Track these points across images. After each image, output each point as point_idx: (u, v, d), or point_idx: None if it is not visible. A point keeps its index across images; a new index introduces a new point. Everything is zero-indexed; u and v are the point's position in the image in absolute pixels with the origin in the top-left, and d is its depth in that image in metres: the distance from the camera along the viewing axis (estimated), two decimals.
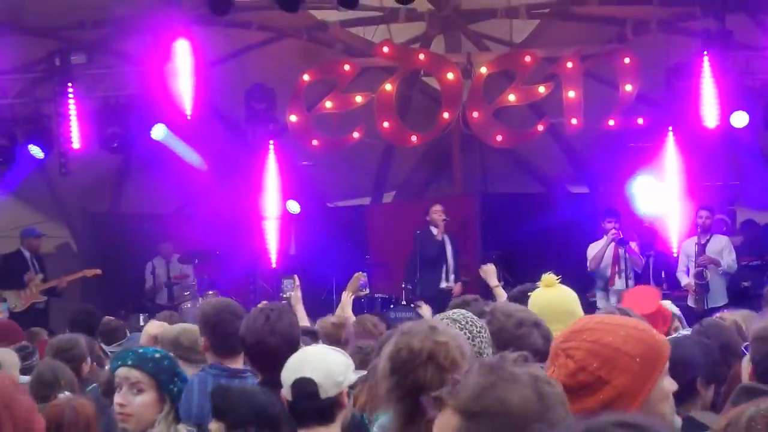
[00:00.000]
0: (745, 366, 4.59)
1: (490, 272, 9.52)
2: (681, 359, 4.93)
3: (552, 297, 5.84)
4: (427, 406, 3.13)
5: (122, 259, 16.58)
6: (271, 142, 16.85)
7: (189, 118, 15.35)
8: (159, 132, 15.66)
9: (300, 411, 4.45)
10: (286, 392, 4.47)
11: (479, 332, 4.49)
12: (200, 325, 6.04)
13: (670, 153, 15.88)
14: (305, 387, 4.41)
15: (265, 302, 6.11)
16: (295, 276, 8.84)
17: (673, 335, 6.18)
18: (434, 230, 14.98)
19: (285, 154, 17.15)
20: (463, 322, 4.48)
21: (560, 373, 2.98)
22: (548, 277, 5.93)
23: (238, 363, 5.82)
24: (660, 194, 15.53)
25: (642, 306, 6.45)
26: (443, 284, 14.85)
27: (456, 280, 14.89)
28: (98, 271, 15.34)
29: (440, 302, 13.35)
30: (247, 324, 5.40)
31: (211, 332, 5.92)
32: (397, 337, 3.78)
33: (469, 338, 4.40)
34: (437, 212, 15.03)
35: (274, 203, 16.88)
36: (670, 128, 15.84)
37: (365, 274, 11.04)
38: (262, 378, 5.32)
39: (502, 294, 8.73)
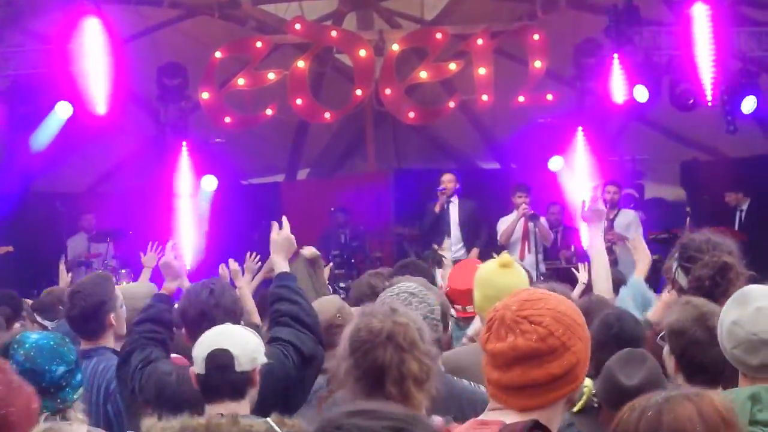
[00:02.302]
0: (668, 359, 4.63)
1: None
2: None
3: (509, 280, 5.37)
4: None
5: (34, 238, 16.40)
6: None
7: (102, 103, 15.15)
8: (64, 110, 15.48)
9: (213, 384, 4.38)
10: (198, 366, 4.39)
11: (436, 306, 4.56)
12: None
13: (579, 132, 16.18)
14: (221, 358, 4.33)
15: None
16: (222, 264, 8.82)
17: None
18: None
19: (198, 131, 17.10)
20: (420, 296, 4.54)
21: (528, 338, 3.01)
22: (506, 257, 5.54)
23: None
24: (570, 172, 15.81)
25: (464, 281, 6.27)
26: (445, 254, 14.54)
27: (468, 250, 14.33)
28: (10, 248, 15.18)
29: None
30: (189, 297, 5.36)
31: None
32: (357, 318, 3.86)
33: (429, 311, 4.48)
34: (442, 180, 14.55)
35: (187, 183, 16.82)
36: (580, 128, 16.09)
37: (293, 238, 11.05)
38: None
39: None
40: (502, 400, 3.08)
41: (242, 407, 4.37)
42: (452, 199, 14.52)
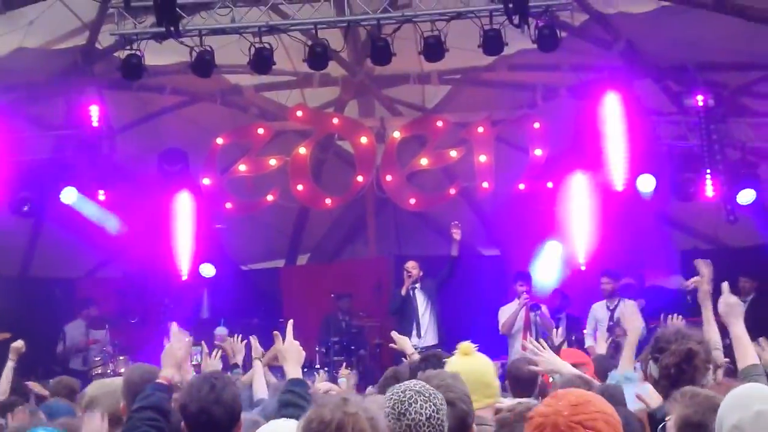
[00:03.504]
0: None
1: (403, 341, 9.05)
2: None
3: (470, 366, 5.65)
4: None
5: (32, 324, 16.30)
6: (184, 193, 16.74)
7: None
8: (69, 196, 15.54)
9: None
10: None
11: (442, 405, 4.51)
12: (124, 389, 6.10)
13: (580, 213, 16.17)
14: None
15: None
16: (203, 343, 8.77)
17: None
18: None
19: (198, 216, 17.10)
20: (426, 395, 4.49)
21: None
22: (465, 345, 5.76)
23: None
24: (565, 261, 15.81)
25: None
26: (413, 341, 14.42)
27: (438, 337, 14.40)
28: (7, 335, 15.09)
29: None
30: (190, 392, 5.23)
31: (132, 398, 5.99)
32: (311, 409, 3.84)
33: (433, 411, 4.43)
34: (406, 267, 14.77)
35: (186, 266, 16.81)
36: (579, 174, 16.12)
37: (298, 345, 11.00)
38: None
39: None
40: None
41: None
42: (416, 285, 14.58)
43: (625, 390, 6.40)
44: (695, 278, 7.07)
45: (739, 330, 6.35)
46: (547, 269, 15.77)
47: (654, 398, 6.72)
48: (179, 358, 5.86)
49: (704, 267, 7.10)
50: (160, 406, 5.48)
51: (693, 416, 4.53)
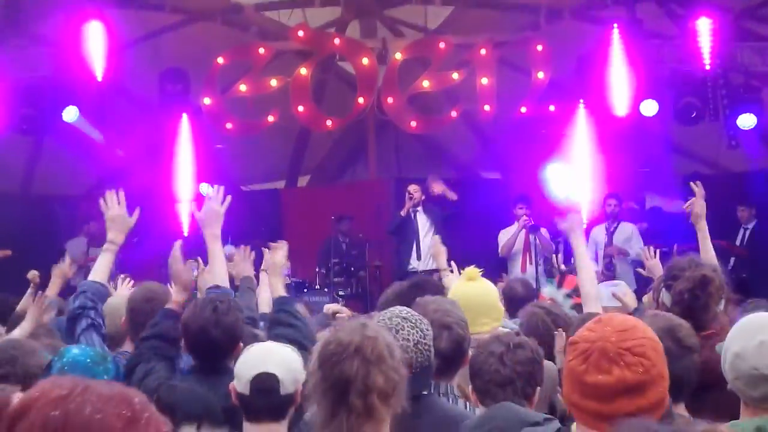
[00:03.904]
0: None
1: (440, 253, 8.87)
2: None
3: (476, 291, 5.79)
4: None
5: (33, 241, 16.35)
6: (184, 115, 16.70)
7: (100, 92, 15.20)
8: (71, 114, 15.50)
9: (256, 406, 4.38)
10: (241, 386, 4.38)
11: (428, 330, 4.55)
12: (127, 306, 6.31)
13: (581, 139, 16.13)
14: (267, 382, 4.33)
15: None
16: (198, 259, 8.75)
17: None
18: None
19: (198, 136, 17.07)
20: (413, 321, 4.52)
21: (635, 371, 3.06)
22: (471, 271, 5.88)
23: None
24: (571, 180, 15.76)
25: None
26: (412, 263, 14.51)
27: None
28: (8, 252, 15.15)
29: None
30: (193, 311, 5.34)
31: (132, 315, 6.14)
32: (329, 332, 3.86)
33: (420, 337, 4.46)
34: (408, 190, 14.79)
35: (187, 186, 16.81)
36: (581, 102, 16.06)
37: (288, 262, 10.98)
38: (198, 364, 5.34)
39: (448, 281, 8.16)
40: (600, 428, 3.08)
41: (280, 428, 4.40)
42: (418, 208, 14.58)
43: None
44: (689, 201, 7.09)
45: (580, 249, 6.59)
46: (552, 189, 15.77)
47: (629, 298, 6.83)
48: (187, 280, 5.95)
49: (696, 188, 7.12)
50: (166, 335, 5.56)
51: None
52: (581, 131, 16.16)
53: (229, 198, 6.63)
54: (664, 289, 5.66)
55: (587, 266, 6.61)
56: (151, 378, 5.28)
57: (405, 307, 4.71)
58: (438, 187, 14.52)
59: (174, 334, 5.53)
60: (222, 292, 5.95)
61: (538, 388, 4.54)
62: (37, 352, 5.22)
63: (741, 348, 3.96)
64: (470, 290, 5.77)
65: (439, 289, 6.67)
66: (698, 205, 7.07)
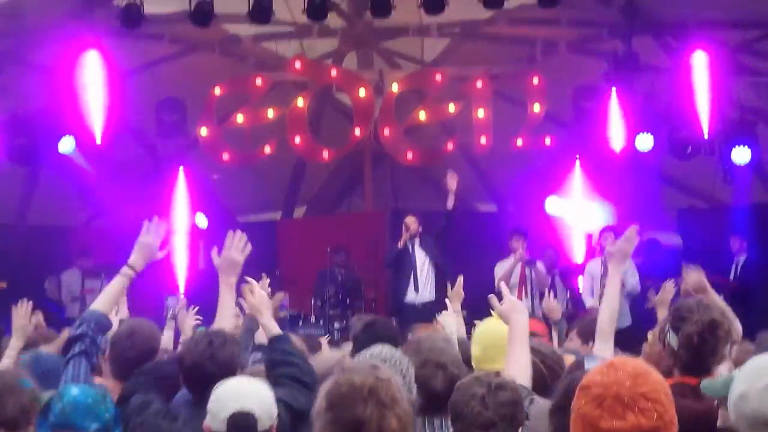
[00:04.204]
0: None
1: (456, 297, 8.57)
2: None
3: (502, 330, 5.55)
4: None
5: (29, 272, 16.32)
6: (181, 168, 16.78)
7: (99, 134, 15.20)
8: (67, 145, 15.52)
9: None
10: (216, 424, 4.33)
11: (407, 371, 4.53)
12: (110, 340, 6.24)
13: (577, 174, 16.21)
14: (245, 421, 4.29)
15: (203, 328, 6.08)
16: (181, 295, 8.75)
17: None
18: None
19: (195, 167, 17.09)
20: (391, 362, 4.50)
21: (649, 417, 3.06)
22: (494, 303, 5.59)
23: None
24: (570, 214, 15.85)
25: None
26: (409, 296, 14.22)
27: (437, 292, 13.92)
28: (3, 284, 15.12)
29: (404, 317, 13.15)
30: (189, 346, 5.34)
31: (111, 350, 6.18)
32: (337, 374, 3.82)
33: (400, 376, 4.45)
34: (405, 222, 14.53)
35: (183, 217, 16.82)
36: (578, 156, 16.16)
37: (285, 294, 10.99)
38: (194, 398, 5.29)
39: (443, 318, 7.98)
40: None
41: None
42: (415, 240, 14.47)
43: None
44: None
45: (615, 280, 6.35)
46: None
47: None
48: (152, 252, 5.92)
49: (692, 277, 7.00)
50: (165, 369, 5.58)
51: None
52: (577, 164, 16.21)
53: (249, 247, 6.53)
54: (671, 330, 5.61)
55: (611, 302, 6.44)
56: (148, 411, 5.25)
57: (387, 347, 4.70)
58: (452, 183, 14.35)
59: (171, 372, 5.52)
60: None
61: (521, 428, 4.51)
62: (22, 389, 5.00)
63: (746, 389, 3.92)
64: (497, 328, 5.62)
65: (394, 337, 6.67)
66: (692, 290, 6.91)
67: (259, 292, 5.81)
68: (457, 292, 8.53)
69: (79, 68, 15.26)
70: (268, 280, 6.49)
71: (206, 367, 5.17)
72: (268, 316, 5.74)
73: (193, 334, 5.66)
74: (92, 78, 15.20)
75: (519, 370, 5.04)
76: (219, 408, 4.34)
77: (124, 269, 5.85)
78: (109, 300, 5.89)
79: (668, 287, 7.37)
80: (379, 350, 4.60)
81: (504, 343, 5.39)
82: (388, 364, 4.45)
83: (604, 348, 6.18)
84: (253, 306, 5.81)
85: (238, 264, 6.24)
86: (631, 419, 3.05)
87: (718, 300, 6.54)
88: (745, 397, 3.90)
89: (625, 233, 6.44)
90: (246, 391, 4.40)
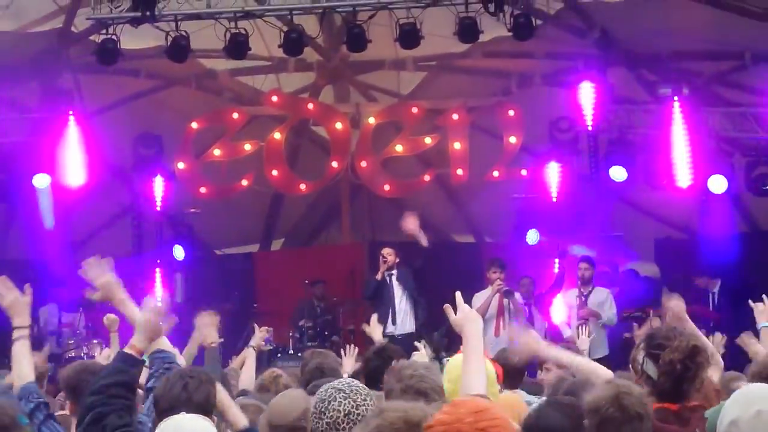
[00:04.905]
0: None
1: (374, 329, 8.89)
2: (553, 428, 5.05)
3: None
4: None
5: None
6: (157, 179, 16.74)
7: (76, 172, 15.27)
8: (41, 181, 15.51)
9: None
10: None
11: (363, 401, 4.53)
12: (63, 390, 6.16)
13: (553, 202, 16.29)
14: None
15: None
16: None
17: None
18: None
19: (173, 201, 17.07)
20: (347, 391, 4.51)
21: None
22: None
23: None
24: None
25: None
26: (389, 328, 13.84)
27: (416, 325, 14.00)
28: None
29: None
30: (164, 387, 5.25)
31: (72, 396, 6.07)
32: (383, 412, 3.82)
33: (352, 407, 4.45)
34: (382, 253, 14.51)
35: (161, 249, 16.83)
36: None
37: (270, 329, 10.94)
38: None
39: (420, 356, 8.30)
40: None
41: None
42: (393, 272, 14.47)
43: None
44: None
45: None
46: None
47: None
48: (155, 332, 5.65)
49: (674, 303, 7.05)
50: (132, 386, 5.39)
51: (590, 401, 4.61)
52: (553, 194, 16.28)
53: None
54: (647, 359, 5.60)
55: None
56: None
57: (346, 379, 4.71)
58: (411, 225, 14.31)
59: (134, 385, 5.46)
60: (165, 356, 5.81)
61: None
62: (20, 427, 5.01)
63: (737, 416, 3.95)
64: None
65: (336, 372, 6.68)
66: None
67: (149, 309, 5.68)
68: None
69: (54, 104, 15.29)
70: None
71: (182, 410, 5.14)
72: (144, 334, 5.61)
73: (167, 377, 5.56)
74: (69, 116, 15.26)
75: (475, 380, 5.02)
76: None
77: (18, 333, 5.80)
78: (29, 368, 5.90)
79: (654, 321, 7.40)
80: (339, 381, 4.61)
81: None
82: (342, 394, 4.47)
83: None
84: (138, 323, 5.65)
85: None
86: None
87: (694, 329, 6.58)
88: (736, 424, 3.94)
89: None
90: (185, 430, 4.39)
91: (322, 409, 4.34)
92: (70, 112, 15.44)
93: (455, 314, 5.36)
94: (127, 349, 5.48)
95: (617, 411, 4.44)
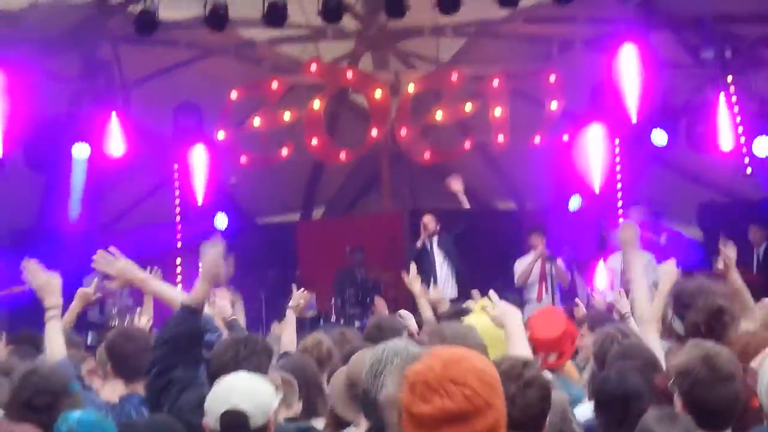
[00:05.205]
0: (677, 403, 4.58)
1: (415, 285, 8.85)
2: (634, 393, 5.00)
3: (489, 323, 5.59)
4: None
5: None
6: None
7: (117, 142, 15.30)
8: (81, 151, 15.58)
9: None
10: (211, 420, 4.32)
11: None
12: (106, 354, 6.33)
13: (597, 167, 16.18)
14: (236, 419, 4.28)
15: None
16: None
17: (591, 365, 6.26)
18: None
19: (213, 170, 17.11)
20: (404, 354, 4.48)
21: (455, 399, 3.02)
22: (486, 302, 5.70)
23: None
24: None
25: (548, 329, 6.37)
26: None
27: (458, 292, 14.14)
28: (25, 287, 15.13)
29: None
30: (217, 352, 5.30)
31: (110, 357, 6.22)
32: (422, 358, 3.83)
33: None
34: (423, 221, 14.81)
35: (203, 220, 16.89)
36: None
37: (313, 294, 10.98)
38: None
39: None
40: None
41: None
42: (434, 239, 14.52)
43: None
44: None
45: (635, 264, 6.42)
46: None
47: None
48: (216, 276, 5.65)
49: (729, 250, 6.98)
50: (194, 335, 5.42)
51: (680, 365, 4.55)
52: (596, 159, 16.16)
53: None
54: (675, 317, 5.58)
55: (640, 284, 6.38)
56: (194, 392, 5.23)
57: (402, 340, 4.68)
58: (456, 185, 14.49)
59: (200, 335, 5.47)
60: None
61: (546, 421, 4.45)
62: (72, 393, 5.03)
63: None
64: (483, 322, 5.62)
65: (398, 331, 6.67)
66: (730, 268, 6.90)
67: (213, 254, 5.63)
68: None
69: (97, 75, 15.33)
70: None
71: None
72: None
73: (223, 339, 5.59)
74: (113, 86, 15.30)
75: None
76: (213, 406, 4.35)
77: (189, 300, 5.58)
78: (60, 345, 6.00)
79: (729, 245, 7.24)
80: (395, 343, 4.57)
81: (488, 338, 5.36)
82: (399, 357, 4.44)
83: (647, 331, 6.13)
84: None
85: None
86: (436, 402, 3.01)
87: (736, 280, 6.51)
88: None
89: (621, 225, 6.50)
90: (240, 389, 4.38)
91: (379, 370, 4.26)
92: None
93: (493, 311, 5.38)
94: (188, 300, 5.52)
95: (709, 372, 4.38)
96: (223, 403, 4.31)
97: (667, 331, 5.76)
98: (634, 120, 15.35)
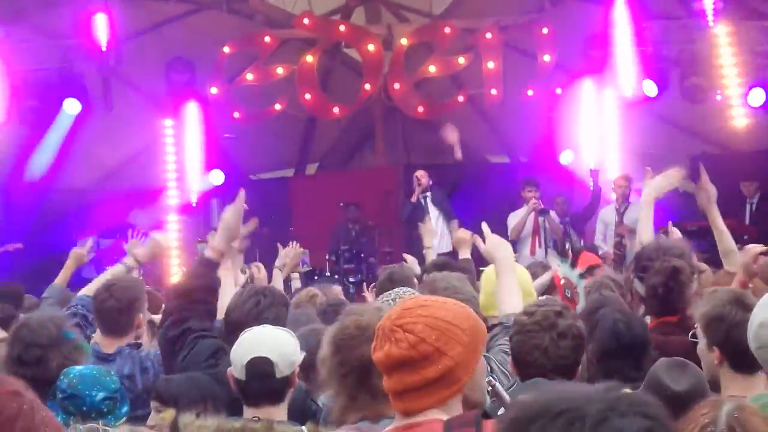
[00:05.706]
0: (706, 354, 4.51)
1: (461, 242, 8.58)
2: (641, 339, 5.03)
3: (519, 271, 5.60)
4: None
5: (43, 234, 16.39)
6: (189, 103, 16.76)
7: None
8: (72, 106, 15.54)
9: (252, 391, 4.37)
10: (237, 370, 4.37)
11: None
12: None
13: (588, 120, 16.16)
14: (261, 366, 4.32)
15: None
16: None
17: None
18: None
19: (206, 126, 17.10)
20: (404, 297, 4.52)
21: (401, 346, 3.09)
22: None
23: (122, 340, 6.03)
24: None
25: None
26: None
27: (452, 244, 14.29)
28: (20, 245, 15.19)
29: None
30: (237, 301, 5.38)
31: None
32: (342, 318, 3.87)
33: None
34: (416, 176, 14.94)
35: (196, 175, 16.89)
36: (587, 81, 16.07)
37: (306, 251, 10.98)
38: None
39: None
40: (396, 406, 3.19)
41: (280, 411, 4.39)
42: (427, 194, 14.59)
43: None
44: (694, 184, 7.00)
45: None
46: None
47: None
48: (236, 231, 5.79)
49: (702, 173, 7.00)
50: (211, 287, 5.51)
51: (711, 312, 4.54)
52: (588, 112, 16.14)
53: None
54: (636, 279, 5.65)
55: (642, 230, 6.45)
56: (207, 342, 5.28)
57: (408, 288, 4.72)
58: (452, 136, 14.56)
59: (216, 288, 5.54)
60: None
61: (579, 367, 4.49)
62: (65, 341, 5.09)
63: (765, 317, 3.95)
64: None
65: (409, 280, 6.72)
66: (705, 189, 6.85)
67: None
68: (459, 239, 8.55)
69: (87, 30, 15.25)
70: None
71: (251, 326, 5.18)
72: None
73: (243, 289, 5.64)
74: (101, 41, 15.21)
75: (511, 299, 5.04)
76: (239, 356, 4.40)
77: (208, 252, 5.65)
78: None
79: (673, 233, 7.29)
80: (404, 291, 4.62)
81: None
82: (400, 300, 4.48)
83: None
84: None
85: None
86: (385, 349, 3.12)
87: (716, 219, 6.54)
88: (765, 325, 3.93)
89: (668, 172, 6.50)
90: (265, 339, 4.43)
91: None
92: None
93: (484, 244, 5.40)
94: (207, 252, 5.57)
95: (745, 313, 4.35)
96: (249, 352, 4.37)
97: (629, 295, 5.84)
98: (627, 92, 15.35)
